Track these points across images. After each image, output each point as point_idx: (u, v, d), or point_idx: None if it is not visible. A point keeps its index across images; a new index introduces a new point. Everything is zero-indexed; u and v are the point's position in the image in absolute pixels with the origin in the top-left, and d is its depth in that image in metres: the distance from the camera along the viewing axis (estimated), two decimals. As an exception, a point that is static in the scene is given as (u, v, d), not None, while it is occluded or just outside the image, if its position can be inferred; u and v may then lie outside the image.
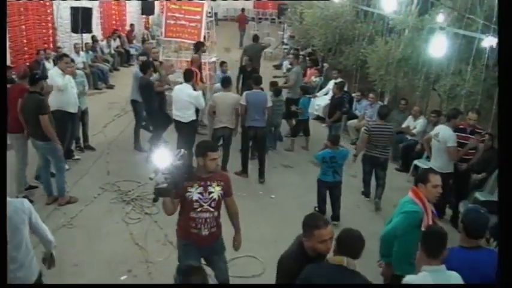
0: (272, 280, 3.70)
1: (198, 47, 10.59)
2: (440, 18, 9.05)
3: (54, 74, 7.75)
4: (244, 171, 8.55)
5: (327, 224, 3.40)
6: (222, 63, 11.86)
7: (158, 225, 6.61)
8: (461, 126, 7.29)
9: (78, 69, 10.09)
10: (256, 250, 5.94)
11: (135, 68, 9.31)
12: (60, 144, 6.90)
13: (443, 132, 6.94)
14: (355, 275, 3.19)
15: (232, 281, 4.85)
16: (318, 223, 3.39)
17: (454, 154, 6.89)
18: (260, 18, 30.76)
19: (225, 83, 8.65)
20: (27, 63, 11.98)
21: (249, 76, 10.11)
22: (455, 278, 3.26)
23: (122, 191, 7.60)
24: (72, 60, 8.89)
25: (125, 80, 15.14)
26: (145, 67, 8.71)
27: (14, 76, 10.33)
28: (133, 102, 9.41)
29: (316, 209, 7.16)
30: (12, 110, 6.63)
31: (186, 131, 8.31)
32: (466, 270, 3.35)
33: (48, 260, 3.99)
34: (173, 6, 12.70)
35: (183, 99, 8.19)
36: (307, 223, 3.44)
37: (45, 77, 7.16)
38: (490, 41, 7.78)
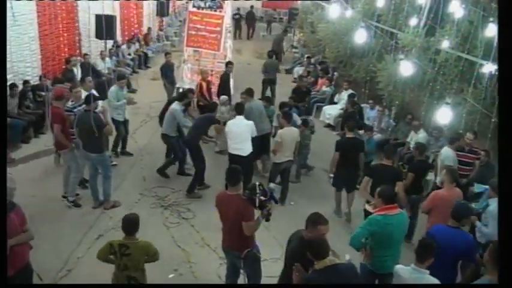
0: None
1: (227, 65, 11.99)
2: (445, 43, 9.91)
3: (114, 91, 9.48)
4: None
5: (327, 222, 4.45)
6: (228, 64, 12.46)
7: (195, 229, 7.59)
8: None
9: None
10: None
11: (174, 105, 9.16)
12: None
13: (445, 153, 7.95)
14: (345, 266, 4.23)
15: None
16: (321, 221, 4.44)
17: None
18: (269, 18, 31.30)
19: (290, 118, 8.71)
20: (60, 72, 12.84)
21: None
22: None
23: (159, 196, 8.56)
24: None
25: (146, 84, 16.06)
26: (213, 108, 9.40)
27: (46, 83, 11.34)
28: (166, 136, 9.20)
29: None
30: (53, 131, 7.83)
31: (245, 164, 7.82)
32: (446, 241, 4.88)
33: None
34: (195, 17, 13.54)
35: (243, 131, 8.32)
36: (313, 219, 4.46)
37: (103, 98, 8.10)
38: (489, 68, 8.67)
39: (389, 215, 5.13)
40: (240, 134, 8.33)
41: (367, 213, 6.68)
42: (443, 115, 7.40)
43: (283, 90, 15.47)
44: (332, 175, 8.78)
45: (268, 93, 14.20)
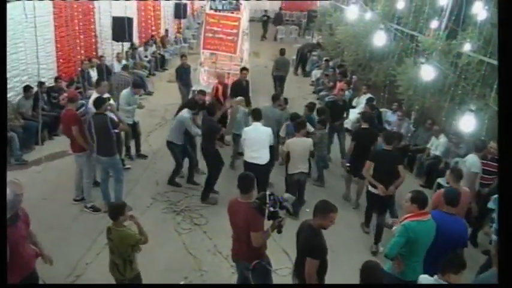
0: None
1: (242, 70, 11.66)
2: (467, 46, 9.61)
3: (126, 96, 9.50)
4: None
5: (337, 210, 4.63)
6: (242, 70, 11.85)
7: (207, 235, 7.41)
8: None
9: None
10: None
11: (184, 112, 8.82)
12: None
13: (471, 159, 7.69)
14: None
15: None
16: (332, 208, 4.61)
17: (472, 179, 7.55)
18: (287, 20, 31.23)
19: (299, 127, 8.12)
20: (76, 74, 12.84)
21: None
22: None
23: (171, 201, 8.40)
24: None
25: (162, 86, 15.99)
26: (213, 109, 8.46)
27: (62, 85, 11.31)
28: (170, 144, 8.86)
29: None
30: (69, 134, 7.69)
31: (262, 174, 7.68)
32: (441, 227, 5.12)
33: None
34: (212, 20, 13.39)
35: (262, 139, 7.95)
36: (323, 207, 4.64)
37: (108, 99, 7.97)
38: None
39: (423, 221, 5.09)
40: (257, 141, 7.94)
41: (369, 195, 7.60)
42: (467, 123, 7.16)
43: (301, 93, 15.34)
44: (348, 164, 9.07)
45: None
